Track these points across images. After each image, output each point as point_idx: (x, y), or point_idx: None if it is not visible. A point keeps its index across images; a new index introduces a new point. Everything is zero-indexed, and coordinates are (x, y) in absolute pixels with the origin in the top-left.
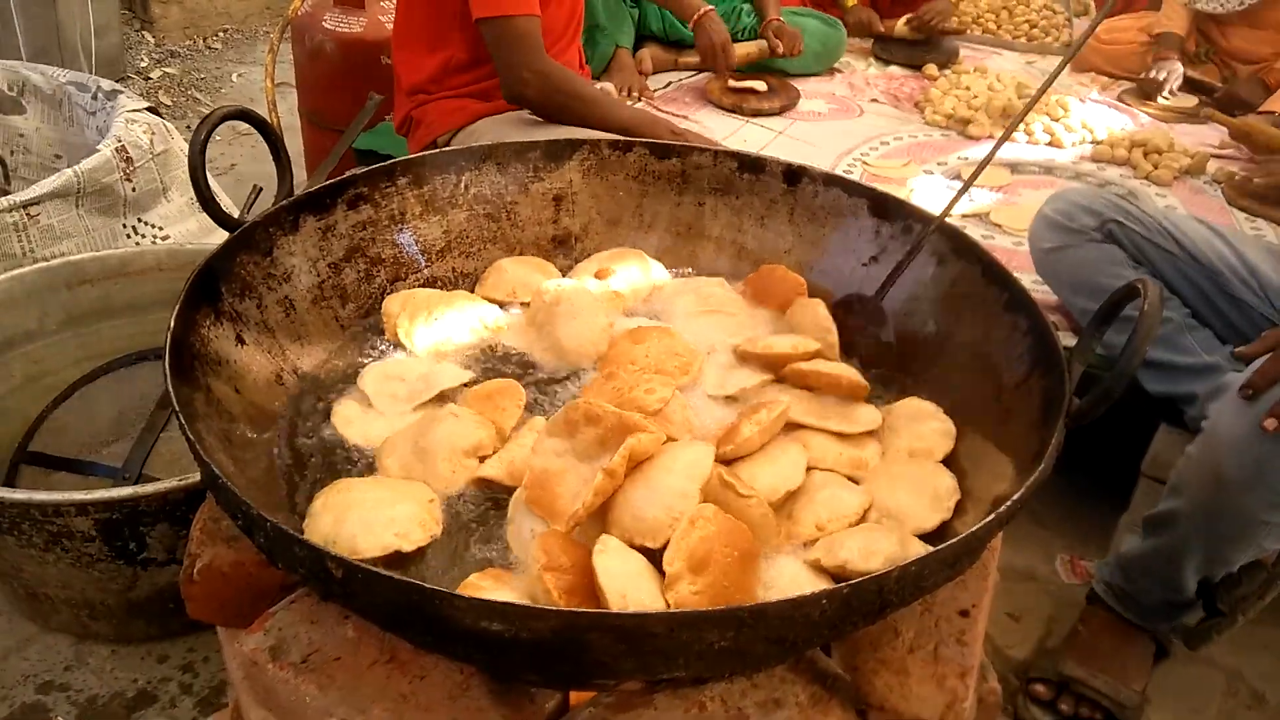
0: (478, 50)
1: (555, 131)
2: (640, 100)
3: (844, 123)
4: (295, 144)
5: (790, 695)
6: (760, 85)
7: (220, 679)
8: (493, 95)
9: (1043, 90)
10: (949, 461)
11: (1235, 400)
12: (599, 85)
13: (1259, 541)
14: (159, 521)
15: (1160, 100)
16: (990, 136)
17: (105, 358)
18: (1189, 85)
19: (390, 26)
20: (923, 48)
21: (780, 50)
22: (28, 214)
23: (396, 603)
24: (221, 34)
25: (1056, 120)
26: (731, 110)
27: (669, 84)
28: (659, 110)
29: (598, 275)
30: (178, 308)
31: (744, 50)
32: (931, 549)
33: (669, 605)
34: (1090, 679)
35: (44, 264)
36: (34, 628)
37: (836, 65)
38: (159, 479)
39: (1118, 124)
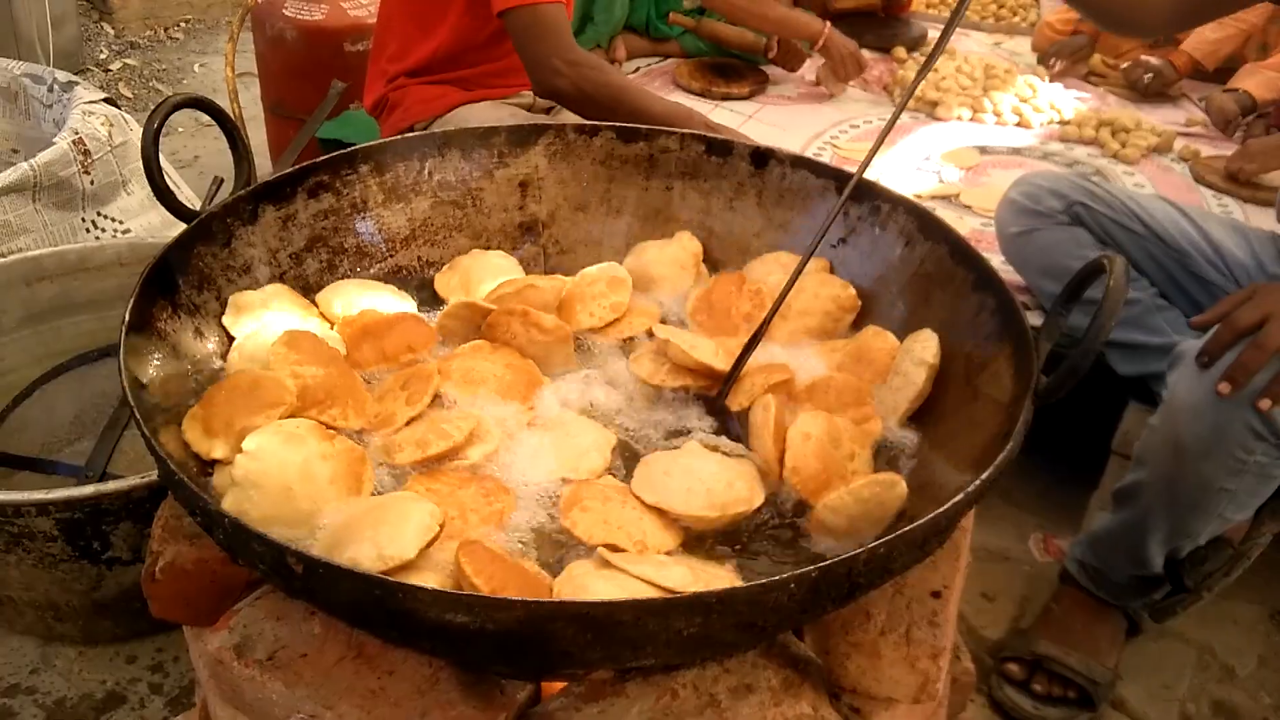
0: (469, 40)
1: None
2: None
3: (813, 106)
4: (259, 135)
5: (762, 680)
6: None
7: (190, 678)
8: (474, 85)
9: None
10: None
11: (1191, 367)
12: None
13: (1220, 510)
14: (123, 520)
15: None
16: (959, 118)
17: (66, 355)
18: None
19: (352, 14)
20: (890, 30)
21: (772, 55)
22: None
23: (359, 597)
24: (183, 24)
25: (1024, 101)
26: (700, 94)
27: (638, 68)
28: None
29: None
30: (132, 301)
31: (723, 29)
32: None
33: None
34: (1063, 657)
35: (0, 260)
36: None
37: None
38: (123, 477)
39: (1085, 104)
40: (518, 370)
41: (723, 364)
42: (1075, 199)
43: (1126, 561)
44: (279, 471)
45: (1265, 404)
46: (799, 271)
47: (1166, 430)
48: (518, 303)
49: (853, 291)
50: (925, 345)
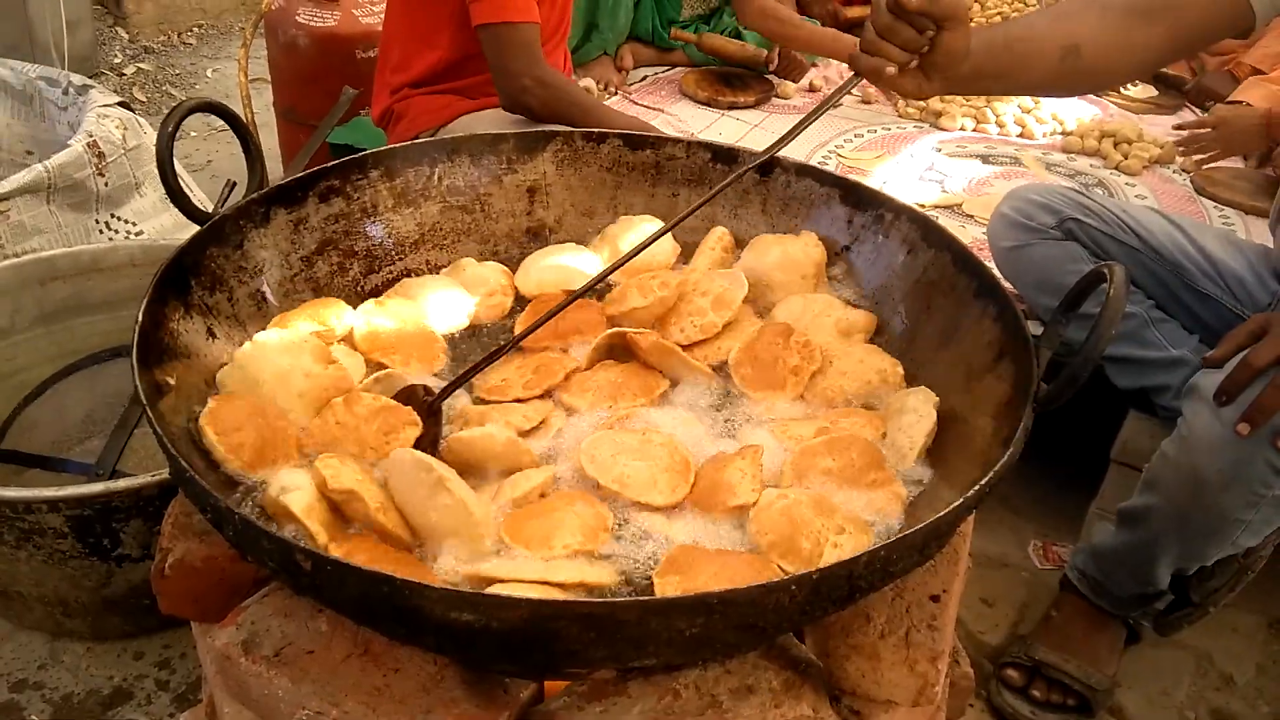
0: (469, 49)
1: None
2: (616, 95)
3: None
4: (271, 140)
5: (763, 681)
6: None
7: (197, 675)
8: (478, 94)
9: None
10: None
11: (1208, 402)
12: (579, 82)
13: (1234, 538)
14: (133, 518)
15: (1123, 92)
16: (963, 129)
17: (78, 354)
18: (1160, 80)
19: (364, 21)
20: None
21: (773, 67)
22: None
23: (366, 594)
24: (196, 29)
25: (1027, 112)
26: (707, 103)
27: (644, 77)
28: (635, 104)
29: None
30: (145, 301)
31: (723, 43)
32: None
33: None
34: (1062, 663)
35: (14, 260)
36: (7, 626)
37: (812, 59)
38: (133, 475)
39: (1087, 115)
40: (633, 375)
41: (665, 497)
42: (1068, 214)
43: (1131, 578)
44: (261, 365)
45: None
46: (666, 231)
47: (1183, 462)
48: (627, 323)
49: (900, 370)
50: (924, 392)
